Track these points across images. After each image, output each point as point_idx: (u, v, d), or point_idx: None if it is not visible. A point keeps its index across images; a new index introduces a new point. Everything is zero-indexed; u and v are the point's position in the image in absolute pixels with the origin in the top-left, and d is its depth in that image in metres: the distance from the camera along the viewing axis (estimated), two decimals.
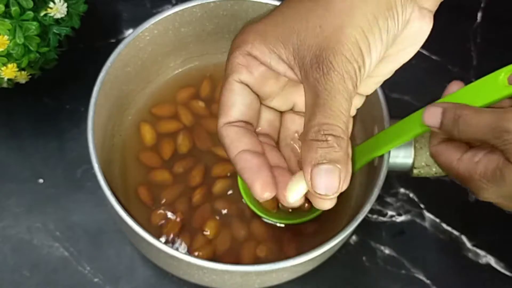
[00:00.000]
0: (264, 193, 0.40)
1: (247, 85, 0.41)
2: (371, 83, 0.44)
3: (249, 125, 0.42)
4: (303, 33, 0.38)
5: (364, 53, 0.37)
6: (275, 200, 0.59)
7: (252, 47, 0.40)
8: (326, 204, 0.38)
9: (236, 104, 0.41)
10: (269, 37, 0.39)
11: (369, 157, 0.56)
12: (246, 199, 0.60)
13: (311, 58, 0.37)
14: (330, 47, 0.36)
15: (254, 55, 0.41)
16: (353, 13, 0.37)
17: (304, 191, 0.39)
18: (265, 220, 0.60)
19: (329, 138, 0.35)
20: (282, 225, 0.61)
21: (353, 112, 0.45)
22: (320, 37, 0.37)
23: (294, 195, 0.38)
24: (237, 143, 0.40)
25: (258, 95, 0.43)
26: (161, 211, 0.61)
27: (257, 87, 0.42)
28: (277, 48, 0.39)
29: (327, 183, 0.35)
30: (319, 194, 0.36)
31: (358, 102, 0.46)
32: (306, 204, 0.58)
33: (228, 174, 0.62)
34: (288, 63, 0.39)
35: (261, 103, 0.44)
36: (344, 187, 0.36)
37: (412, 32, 0.41)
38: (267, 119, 0.44)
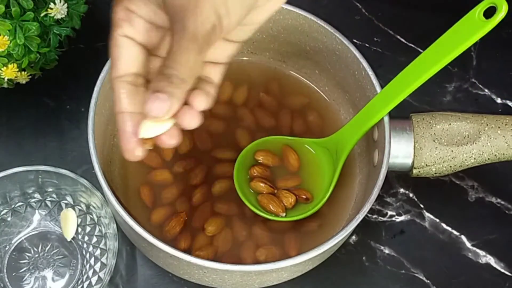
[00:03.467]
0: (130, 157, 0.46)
1: (131, 38, 0.45)
2: (246, 30, 0.47)
3: (139, 78, 0.46)
4: None
5: (221, 15, 0.42)
6: (271, 198, 0.61)
7: (129, 1, 0.45)
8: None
9: (122, 57, 0.45)
10: None
11: (365, 127, 0.58)
12: (243, 198, 0.60)
13: (175, 14, 0.43)
14: (189, 9, 0.42)
15: (132, 9, 0.45)
16: None
17: (154, 131, 0.45)
18: (263, 215, 0.60)
19: (174, 78, 0.42)
20: (283, 224, 0.61)
21: (223, 59, 0.48)
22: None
23: (144, 132, 0.45)
24: (122, 101, 0.45)
25: (145, 47, 0.46)
26: (161, 211, 0.61)
27: (141, 39, 0.45)
28: (151, 2, 0.44)
29: (157, 107, 0.42)
30: (151, 114, 0.43)
31: (231, 49, 0.48)
32: (291, 201, 0.60)
33: (228, 174, 0.62)
34: (160, 17, 0.45)
35: (152, 54, 0.47)
36: (168, 114, 0.43)
37: None
38: (156, 68, 0.47)
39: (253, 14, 0.45)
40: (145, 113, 0.43)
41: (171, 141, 0.46)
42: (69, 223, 0.63)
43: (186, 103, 0.45)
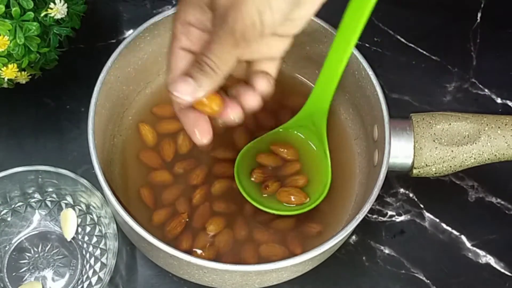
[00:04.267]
0: (202, 139, 0.50)
1: (188, 50, 0.48)
2: (295, 25, 0.48)
3: None
4: None
5: (263, 13, 0.43)
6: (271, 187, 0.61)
7: (186, 13, 0.47)
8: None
9: (178, 66, 0.48)
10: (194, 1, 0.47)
11: (331, 87, 0.59)
12: (243, 192, 0.60)
13: (219, 10, 0.45)
14: (233, 5, 0.43)
15: (189, 21, 0.47)
16: None
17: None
18: (263, 209, 0.60)
19: (206, 66, 0.45)
20: (284, 224, 0.61)
21: (277, 53, 0.50)
22: None
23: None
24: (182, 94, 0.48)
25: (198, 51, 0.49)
26: (162, 211, 0.61)
27: (195, 48, 0.48)
28: (203, 8, 0.46)
29: (181, 88, 0.46)
30: (173, 94, 0.47)
31: (282, 44, 0.50)
32: (293, 198, 0.61)
33: (227, 174, 0.62)
34: (209, 17, 0.47)
35: None
36: (189, 99, 0.47)
37: None
38: None
39: (300, 8, 0.46)
40: (173, 93, 0.47)
41: (233, 114, 0.50)
42: (69, 223, 0.63)
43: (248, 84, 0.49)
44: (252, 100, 0.49)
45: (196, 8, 0.47)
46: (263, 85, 0.50)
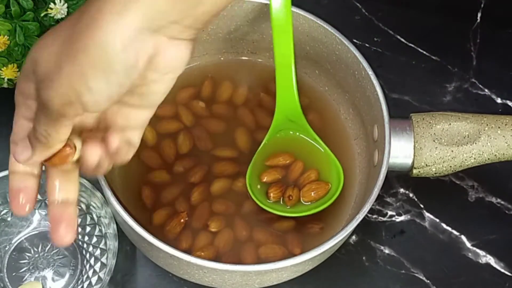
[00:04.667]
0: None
1: (29, 119, 0.46)
2: (151, 98, 0.46)
3: None
4: None
5: (81, 93, 0.40)
6: (279, 191, 0.61)
7: (22, 85, 0.45)
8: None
9: (21, 133, 0.47)
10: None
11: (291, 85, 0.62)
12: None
13: (37, 82, 0.43)
14: (47, 80, 0.41)
15: (25, 92, 0.45)
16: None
17: None
18: (262, 206, 0.60)
19: (39, 135, 0.44)
20: (284, 224, 0.61)
21: (137, 124, 0.48)
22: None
23: None
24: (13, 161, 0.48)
25: None
26: (161, 210, 0.61)
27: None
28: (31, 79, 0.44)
29: (19, 154, 0.46)
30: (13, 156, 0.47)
31: (142, 115, 0.47)
32: (314, 193, 0.61)
33: (226, 173, 0.62)
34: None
35: None
36: (25, 162, 0.47)
37: (167, 60, 0.42)
38: None
39: (148, 87, 0.44)
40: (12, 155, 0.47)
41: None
42: None
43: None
44: (93, 155, 0.46)
45: (27, 80, 0.44)
46: (122, 157, 0.48)
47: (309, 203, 0.61)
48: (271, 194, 0.61)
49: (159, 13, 0.40)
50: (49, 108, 0.41)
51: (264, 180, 0.62)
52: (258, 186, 0.62)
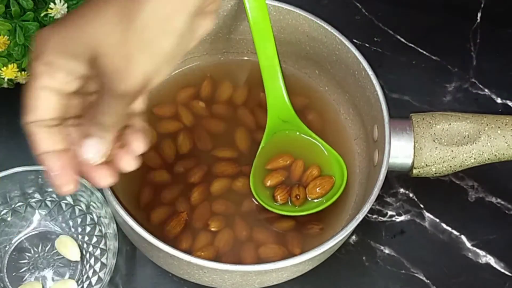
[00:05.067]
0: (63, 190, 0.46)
1: (51, 88, 0.44)
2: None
3: (55, 120, 0.45)
4: None
5: (152, 78, 0.42)
6: (285, 193, 0.61)
7: (50, 55, 0.42)
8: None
9: (39, 106, 0.44)
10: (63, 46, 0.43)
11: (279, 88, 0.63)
12: (254, 193, 0.61)
13: (105, 73, 0.41)
14: (120, 71, 0.41)
15: (53, 63, 0.43)
16: None
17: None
18: (273, 210, 0.61)
19: (102, 125, 0.44)
20: (284, 224, 0.61)
21: (139, 109, 0.48)
22: None
23: None
24: (41, 143, 0.45)
25: (64, 93, 0.45)
26: (161, 211, 0.61)
27: (61, 87, 0.44)
28: (74, 59, 0.43)
29: (92, 150, 0.45)
30: (86, 157, 0.45)
31: (142, 99, 0.48)
32: (319, 189, 0.61)
33: (226, 173, 0.62)
34: (83, 68, 0.43)
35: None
36: (101, 156, 0.45)
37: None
38: (76, 105, 0.47)
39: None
40: (79, 155, 0.45)
41: (105, 180, 0.46)
42: (69, 247, 0.63)
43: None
44: (127, 163, 0.47)
45: (68, 57, 0.42)
46: (140, 147, 0.47)
47: (316, 199, 0.61)
48: (278, 197, 0.61)
49: None
50: (126, 95, 0.41)
51: (268, 184, 0.62)
52: (263, 191, 0.62)
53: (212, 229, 0.60)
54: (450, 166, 0.60)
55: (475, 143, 0.59)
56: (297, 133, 0.64)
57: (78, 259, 0.62)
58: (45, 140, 0.44)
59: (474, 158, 0.60)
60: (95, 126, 0.43)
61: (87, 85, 0.45)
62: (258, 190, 0.61)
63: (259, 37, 0.61)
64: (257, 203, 0.61)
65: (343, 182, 0.61)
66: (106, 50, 0.40)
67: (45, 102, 0.44)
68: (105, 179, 0.46)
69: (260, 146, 0.63)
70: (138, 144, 0.47)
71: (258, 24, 0.61)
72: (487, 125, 0.60)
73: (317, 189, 0.61)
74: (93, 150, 0.44)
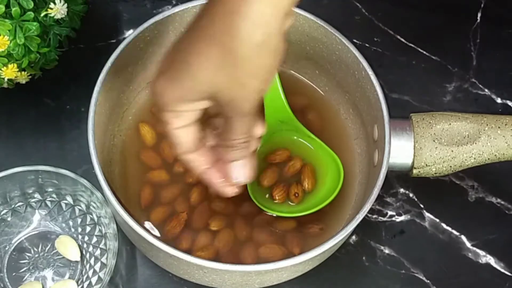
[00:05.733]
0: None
1: (184, 126, 0.48)
2: None
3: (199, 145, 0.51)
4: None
5: (265, 90, 0.46)
6: (284, 193, 0.61)
7: (175, 105, 0.47)
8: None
9: (182, 142, 0.49)
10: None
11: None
12: (251, 194, 0.61)
13: (224, 103, 0.46)
14: (238, 98, 0.45)
15: (178, 110, 0.47)
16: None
17: None
18: (270, 213, 0.60)
19: (239, 146, 0.49)
20: (284, 224, 0.61)
21: None
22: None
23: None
24: (197, 164, 0.51)
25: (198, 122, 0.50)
26: (161, 211, 0.61)
27: (193, 120, 0.48)
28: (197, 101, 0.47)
29: (243, 174, 0.52)
30: (240, 181, 0.52)
31: None
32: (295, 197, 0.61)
33: None
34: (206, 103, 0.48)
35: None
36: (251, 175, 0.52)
37: None
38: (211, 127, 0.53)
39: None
40: (234, 182, 0.51)
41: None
42: (68, 247, 0.63)
43: None
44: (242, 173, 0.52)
45: (188, 102, 0.46)
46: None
47: (312, 191, 0.62)
48: (276, 196, 0.61)
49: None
50: (249, 114, 0.47)
51: (265, 183, 0.62)
52: (261, 192, 0.62)
53: (212, 228, 0.60)
54: (450, 166, 0.60)
55: (475, 143, 0.59)
56: (295, 137, 0.64)
57: (78, 259, 0.62)
58: (198, 162, 0.50)
59: (474, 158, 0.60)
60: (234, 149, 0.49)
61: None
62: (255, 192, 0.61)
63: None
64: (255, 206, 0.61)
65: (339, 182, 0.61)
66: (221, 87, 0.45)
67: (184, 138, 0.49)
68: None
69: (258, 148, 0.63)
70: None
71: None
72: (487, 125, 0.60)
73: (305, 182, 0.62)
74: (243, 172, 0.51)
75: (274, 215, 0.61)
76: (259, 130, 0.51)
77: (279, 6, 0.43)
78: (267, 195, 0.62)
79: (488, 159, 0.60)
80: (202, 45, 0.44)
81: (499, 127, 0.59)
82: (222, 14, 0.43)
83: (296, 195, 0.61)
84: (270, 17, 0.43)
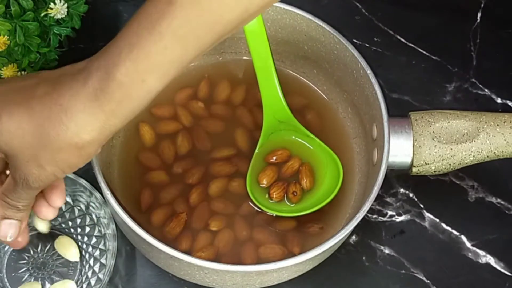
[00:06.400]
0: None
1: None
2: None
3: None
4: None
5: (60, 174, 0.46)
6: (282, 192, 0.61)
7: None
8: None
9: None
10: None
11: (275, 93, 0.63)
12: (251, 194, 0.61)
13: (13, 159, 0.46)
14: (30, 161, 0.45)
15: None
16: None
17: None
18: (270, 213, 0.60)
19: (17, 206, 0.50)
20: (284, 224, 0.61)
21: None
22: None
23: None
24: None
25: None
26: (160, 211, 0.61)
27: None
28: None
29: (11, 232, 0.51)
30: (4, 238, 0.51)
31: None
32: (294, 197, 0.61)
33: (222, 174, 0.62)
34: None
35: None
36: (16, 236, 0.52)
37: None
38: None
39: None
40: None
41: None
42: (68, 248, 0.63)
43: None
44: (47, 213, 0.52)
45: None
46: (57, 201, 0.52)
47: (308, 191, 0.62)
48: (274, 194, 0.61)
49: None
50: (32, 191, 0.47)
51: (264, 183, 0.62)
52: (261, 192, 0.62)
53: (212, 228, 0.60)
54: (449, 164, 0.60)
55: (474, 141, 0.59)
56: (293, 137, 0.64)
57: (78, 259, 0.62)
58: None
59: (473, 156, 0.60)
60: (11, 207, 0.49)
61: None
62: (255, 191, 0.61)
63: (252, 38, 0.61)
64: (254, 206, 0.61)
65: (339, 181, 0.61)
66: (21, 156, 0.45)
67: None
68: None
69: (257, 148, 0.63)
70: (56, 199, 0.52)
71: (251, 25, 0.61)
72: (485, 122, 0.60)
73: (303, 181, 0.62)
74: (13, 230, 0.51)
75: (274, 215, 0.61)
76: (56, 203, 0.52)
77: (105, 120, 0.43)
78: (266, 195, 0.62)
79: (487, 156, 0.60)
80: (26, 102, 0.44)
81: (497, 125, 0.59)
82: (57, 99, 0.43)
83: (295, 193, 0.61)
84: (94, 129, 0.43)
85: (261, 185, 0.62)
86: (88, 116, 0.43)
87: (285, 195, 0.62)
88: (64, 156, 0.44)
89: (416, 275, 0.65)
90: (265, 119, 0.63)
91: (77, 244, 0.63)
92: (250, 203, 0.61)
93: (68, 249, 0.62)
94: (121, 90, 0.42)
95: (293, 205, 0.61)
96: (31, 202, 0.50)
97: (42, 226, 0.62)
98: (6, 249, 0.63)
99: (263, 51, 0.61)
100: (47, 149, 0.44)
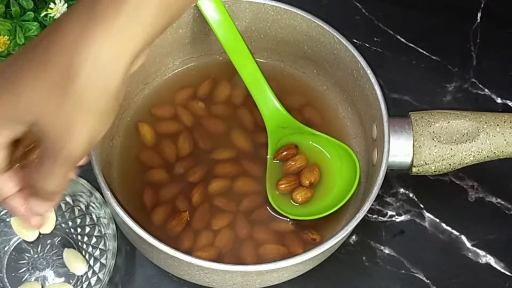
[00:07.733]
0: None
1: None
2: None
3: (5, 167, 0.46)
4: None
5: (96, 140, 0.43)
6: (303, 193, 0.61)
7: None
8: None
9: None
10: None
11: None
12: (273, 204, 0.61)
13: (48, 138, 0.42)
14: (64, 138, 0.41)
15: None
16: None
17: None
18: (291, 217, 0.61)
19: (47, 192, 0.45)
20: (284, 224, 0.61)
21: None
22: None
23: None
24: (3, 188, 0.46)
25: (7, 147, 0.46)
26: (161, 211, 0.61)
27: (4, 141, 0.44)
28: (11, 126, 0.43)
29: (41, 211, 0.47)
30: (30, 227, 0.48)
31: None
32: (300, 199, 0.61)
33: (222, 174, 0.62)
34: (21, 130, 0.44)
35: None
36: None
37: None
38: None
39: None
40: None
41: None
42: (75, 262, 0.62)
43: None
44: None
45: (7, 120, 0.43)
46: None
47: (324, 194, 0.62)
48: (281, 186, 0.61)
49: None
50: (67, 160, 0.42)
51: (282, 187, 0.62)
52: (279, 198, 0.62)
53: (214, 227, 0.60)
54: (449, 164, 0.60)
55: (474, 141, 0.59)
56: (310, 142, 0.63)
57: (81, 274, 0.62)
58: (4, 187, 0.46)
59: (473, 156, 0.60)
60: (38, 194, 0.44)
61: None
62: (275, 197, 0.62)
63: (235, 57, 0.61)
64: (275, 213, 0.61)
65: (355, 181, 0.61)
66: (45, 117, 0.41)
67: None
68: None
69: (268, 157, 0.63)
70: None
71: (231, 44, 0.61)
72: (485, 122, 0.60)
73: (311, 178, 0.62)
74: (43, 220, 0.47)
75: (275, 214, 0.61)
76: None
77: (124, 51, 0.40)
78: (287, 199, 0.62)
79: (487, 156, 0.60)
80: (37, 66, 0.41)
81: (498, 125, 0.59)
82: (62, 46, 0.40)
83: (311, 184, 0.61)
84: (112, 62, 0.40)
85: (281, 192, 0.62)
86: (96, 49, 0.39)
87: (297, 189, 0.61)
88: (87, 101, 0.40)
89: (416, 275, 0.65)
90: (268, 129, 0.63)
91: (77, 244, 0.63)
92: (253, 201, 0.61)
93: (75, 263, 0.62)
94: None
95: (308, 207, 0.61)
96: (61, 185, 0.44)
97: (45, 227, 0.62)
98: (6, 249, 0.63)
99: (250, 67, 0.62)
100: (67, 99, 0.40)
